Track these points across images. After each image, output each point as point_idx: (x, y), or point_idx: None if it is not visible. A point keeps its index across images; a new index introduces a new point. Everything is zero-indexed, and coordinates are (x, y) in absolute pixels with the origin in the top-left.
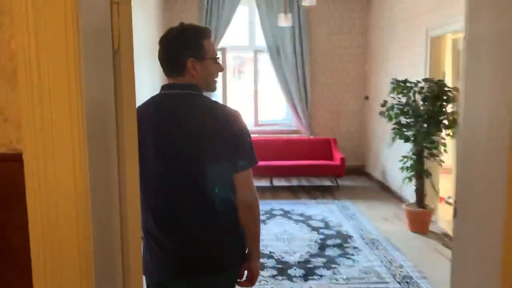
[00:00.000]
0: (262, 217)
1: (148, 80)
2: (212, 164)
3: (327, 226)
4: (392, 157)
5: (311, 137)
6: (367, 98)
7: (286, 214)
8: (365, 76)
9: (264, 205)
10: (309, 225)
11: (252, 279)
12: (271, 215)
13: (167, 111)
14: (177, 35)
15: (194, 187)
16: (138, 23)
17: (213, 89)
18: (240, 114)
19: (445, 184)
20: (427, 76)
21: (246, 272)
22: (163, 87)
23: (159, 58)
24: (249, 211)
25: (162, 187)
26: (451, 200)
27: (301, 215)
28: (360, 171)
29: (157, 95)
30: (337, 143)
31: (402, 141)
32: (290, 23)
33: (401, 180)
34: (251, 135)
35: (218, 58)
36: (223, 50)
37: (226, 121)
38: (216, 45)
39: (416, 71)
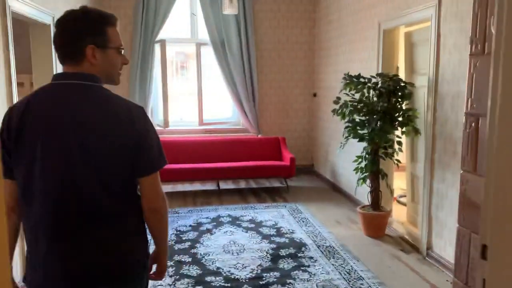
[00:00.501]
0: (208, 226)
1: None
2: (110, 166)
3: (279, 233)
4: (343, 156)
5: (259, 136)
6: (315, 95)
7: (234, 221)
8: (313, 72)
9: (211, 212)
10: (259, 233)
11: (161, 275)
12: (218, 223)
13: (59, 104)
14: (77, 17)
15: (86, 192)
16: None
17: (115, 82)
18: (145, 110)
19: (396, 182)
20: (380, 71)
21: (154, 266)
22: (56, 76)
23: (54, 42)
24: (155, 217)
25: (51, 192)
26: (403, 200)
27: (251, 221)
28: (309, 171)
29: (47, 85)
30: (286, 142)
31: (355, 140)
32: (235, 10)
33: (352, 180)
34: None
35: (122, 49)
36: (162, 42)
37: (128, 118)
38: (154, 37)
39: (367, 66)
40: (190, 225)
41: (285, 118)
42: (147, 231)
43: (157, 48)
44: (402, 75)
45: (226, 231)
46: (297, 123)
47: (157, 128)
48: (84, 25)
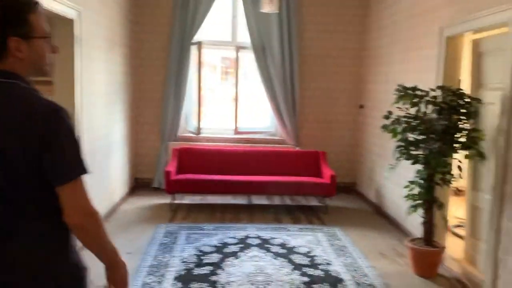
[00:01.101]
0: (234, 248)
1: (101, 75)
2: (19, 172)
3: (313, 263)
4: (391, 177)
5: (298, 149)
6: (362, 106)
7: (263, 244)
8: (361, 81)
9: (239, 231)
10: (291, 261)
11: None
12: (245, 245)
13: None
14: None
15: None
16: (98, 17)
17: (46, 73)
18: (66, 112)
19: (452, 208)
20: (438, 84)
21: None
22: None
23: None
24: (79, 235)
25: None
26: (458, 231)
27: (282, 245)
28: (351, 190)
29: None
30: (326, 157)
31: (408, 162)
32: (275, 8)
33: (401, 205)
34: (234, 144)
35: (49, 36)
36: (199, 44)
37: (44, 119)
38: (191, 38)
39: (424, 78)
40: (214, 245)
41: (327, 130)
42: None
43: (194, 50)
44: (465, 89)
45: (254, 256)
46: (340, 136)
47: (189, 135)
48: (1, 16)
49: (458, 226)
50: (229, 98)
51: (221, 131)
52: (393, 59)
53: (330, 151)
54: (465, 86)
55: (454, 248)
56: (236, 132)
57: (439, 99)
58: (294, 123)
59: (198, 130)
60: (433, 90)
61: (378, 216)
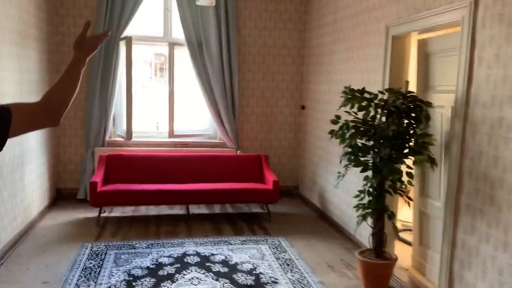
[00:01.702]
0: (170, 269)
1: (12, 74)
2: None
3: (258, 282)
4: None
5: (238, 152)
6: (303, 107)
7: (203, 262)
8: (302, 81)
9: (175, 248)
10: (234, 282)
11: None
12: (183, 265)
13: None
14: None
15: None
16: (4, 7)
17: None
18: None
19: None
20: (386, 85)
21: None
22: None
23: None
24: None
25: None
26: (404, 236)
27: (224, 263)
28: (294, 194)
29: None
30: (268, 161)
31: (356, 168)
32: (212, 1)
33: (345, 211)
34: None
35: None
36: (128, 40)
37: None
38: (120, 33)
39: (370, 79)
40: (147, 267)
41: (268, 132)
42: None
43: (123, 46)
44: (412, 91)
45: (192, 278)
46: (282, 138)
47: (118, 139)
48: None
49: (403, 230)
50: (164, 98)
51: (154, 135)
52: (336, 58)
53: (272, 153)
54: (412, 88)
55: (401, 255)
56: (172, 135)
57: (389, 103)
58: (233, 125)
59: (129, 134)
60: (381, 92)
61: (323, 222)
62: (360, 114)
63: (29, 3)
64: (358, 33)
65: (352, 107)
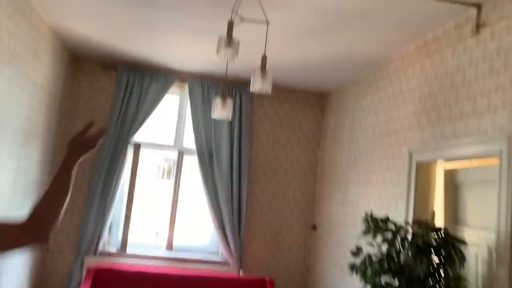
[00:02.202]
0: None
1: (7, 175)
2: None
3: None
4: None
5: (241, 273)
6: (314, 228)
7: None
8: (314, 199)
9: None
10: None
11: None
12: None
13: None
14: None
15: None
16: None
17: None
18: None
19: None
20: (409, 215)
21: None
22: None
23: None
24: None
25: None
26: None
27: None
28: None
29: None
30: (274, 285)
31: None
32: (227, 115)
33: None
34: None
35: None
36: (137, 146)
37: None
38: (129, 139)
39: (391, 206)
40: None
41: (275, 252)
42: None
43: (130, 152)
44: (439, 223)
45: None
46: (290, 260)
47: (111, 250)
48: None
49: None
50: (167, 204)
51: (151, 248)
52: (352, 179)
53: (278, 276)
54: (439, 220)
55: None
56: (170, 248)
57: (418, 238)
58: (238, 242)
59: (124, 246)
60: (408, 224)
61: None
62: (384, 246)
63: (40, 102)
64: (377, 156)
65: (374, 237)
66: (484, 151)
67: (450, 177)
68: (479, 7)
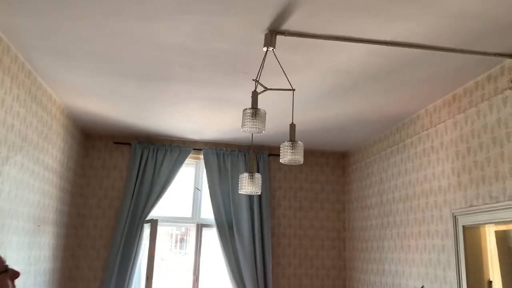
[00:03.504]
0: None
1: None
2: None
3: None
4: None
5: None
6: None
7: None
8: (345, 267)
9: None
10: None
11: None
12: None
13: None
14: None
15: None
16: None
17: None
18: None
19: None
20: (462, 285)
21: None
22: None
23: None
24: None
25: None
26: None
27: None
28: None
29: None
30: None
31: None
32: (257, 189)
33: None
34: None
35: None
36: (154, 222)
37: None
38: (145, 216)
39: (437, 275)
40: None
41: None
42: None
43: (147, 229)
44: None
45: None
46: None
47: None
48: None
49: None
50: (184, 275)
51: None
52: (387, 246)
53: None
54: None
55: None
56: None
57: None
58: None
59: None
60: None
61: None
62: None
63: (52, 185)
64: (413, 219)
65: None
66: None
67: (503, 239)
68: None
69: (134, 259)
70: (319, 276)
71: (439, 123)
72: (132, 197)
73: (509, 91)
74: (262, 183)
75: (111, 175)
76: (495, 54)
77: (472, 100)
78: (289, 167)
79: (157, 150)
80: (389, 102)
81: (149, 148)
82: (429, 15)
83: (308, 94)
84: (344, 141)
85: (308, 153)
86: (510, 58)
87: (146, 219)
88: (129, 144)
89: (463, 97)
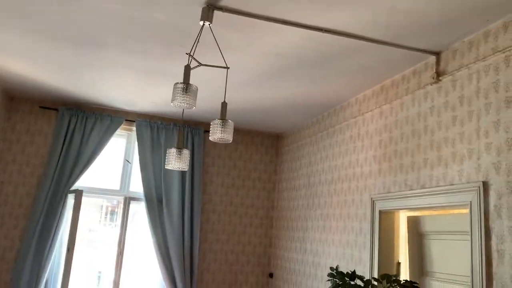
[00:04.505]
0: None
1: None
2: None
3: None
4: None
5: None
6: (271, 275)
7: None
8: (270, 245)
9: None
10: None
11: None
12: None
13: None
14: None
15: None
16: None
17: None
18: None
19: None
20: (374, 266)
21: None
22: None
23: None
24: None
25: None
26: None
27: None
28: None
29: None
30: None
31: None
32: (184, 165)
33: None
34: None
35: None
36: (78, 193)
37: None
38: (69, 186)
39: (353, 255)
40: None
41: None
42: None
43: (71, 199)
44: (404, 275)
45: None
46: None
47: None
48: None
49: None
50: (111, 248)
51: None
52: (311, 226)
53: None
54: (404, 271)
55: None
56: None
57: None
58: None
59: None
60: (377, 280)
61: None
62: None
63: None
64: (336, 202)
65: None
66: (452, 201)
67: (414, 225)
68: (437, 54)
69: (55, 229)
70: (245, 252)
71: (366, 112)
72: (57, 165)
73: (430, 86)
74: (196, 159)
75: (35, 141)
76: (421, 50)
77: (397, 92)
78: (225, 144)
79: (87, 118)
80: (322, 88)
81: (77, 115)
82: (364, 8)
83: (245, 74)
84: (279, 123)
85: (244, 132)
86: (434, 55)
87: (71, 189)
88: (56, 109)
89: (390, 88)
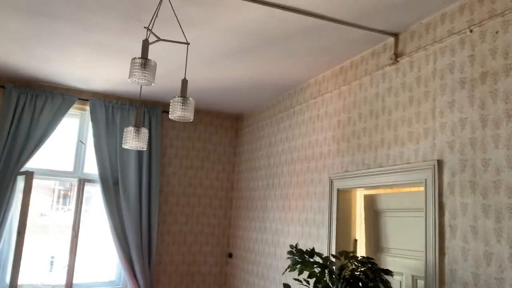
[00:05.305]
0: None
1: None
2: None
3: None
4: None
5: None
6: (230, 255)
7: None
8: (230, 226)
9: None
10: None
11: None
12: None
13: None
14: None
15: None
16: None
17: None
18: None
19: None
20: (331, 243)
21: None
22: None
23: None
24: None
25: None
26: None
27: None
28: None
29: None
30: None
31: None
32: (143, 145)
33: None
34: None
35: None
36: (28, 175)
37: None
38: (19, 167)
39: (311, 233)
40: None
41: (189, 285)
42: None
43: (20, 182)
44: (361, 251)
45: None
46: None
47: None
48: None
49: None
50: (64, 232)
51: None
52: (270, 205)
53: None
54: (361, 247)
55: None
56: (70, 287)
57: (346, 271)
58: (148, 277)
59: None
60: (335, 257)
61: None
62: (311, 281)
63: None
64: (296, 181)
65: (301, 273)
66: (408, 179)
67: (370, 203)
68: (396, 36)
69: (4, 213)
70: (204, 233)
71: (326, 93)
72: (5, 146)
73: (388, 67)
74: (153, 140)
75: None
76: (380, 31)
77: (356, 73)
78: (183, 125)
79: (37, 96)
80: (283, 68)
81: (27, 94)
82: None
83: (205, 52)
84: (239, 104)
85: (203, 113)
86: (393, 36)
87: (21, 170)
88: (3, 87)
89: (349, 69)
